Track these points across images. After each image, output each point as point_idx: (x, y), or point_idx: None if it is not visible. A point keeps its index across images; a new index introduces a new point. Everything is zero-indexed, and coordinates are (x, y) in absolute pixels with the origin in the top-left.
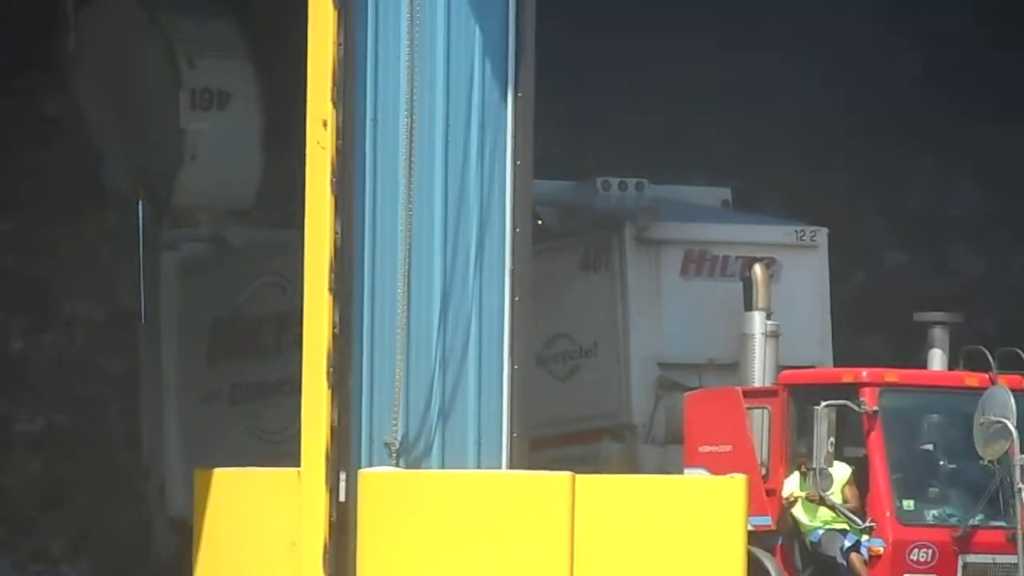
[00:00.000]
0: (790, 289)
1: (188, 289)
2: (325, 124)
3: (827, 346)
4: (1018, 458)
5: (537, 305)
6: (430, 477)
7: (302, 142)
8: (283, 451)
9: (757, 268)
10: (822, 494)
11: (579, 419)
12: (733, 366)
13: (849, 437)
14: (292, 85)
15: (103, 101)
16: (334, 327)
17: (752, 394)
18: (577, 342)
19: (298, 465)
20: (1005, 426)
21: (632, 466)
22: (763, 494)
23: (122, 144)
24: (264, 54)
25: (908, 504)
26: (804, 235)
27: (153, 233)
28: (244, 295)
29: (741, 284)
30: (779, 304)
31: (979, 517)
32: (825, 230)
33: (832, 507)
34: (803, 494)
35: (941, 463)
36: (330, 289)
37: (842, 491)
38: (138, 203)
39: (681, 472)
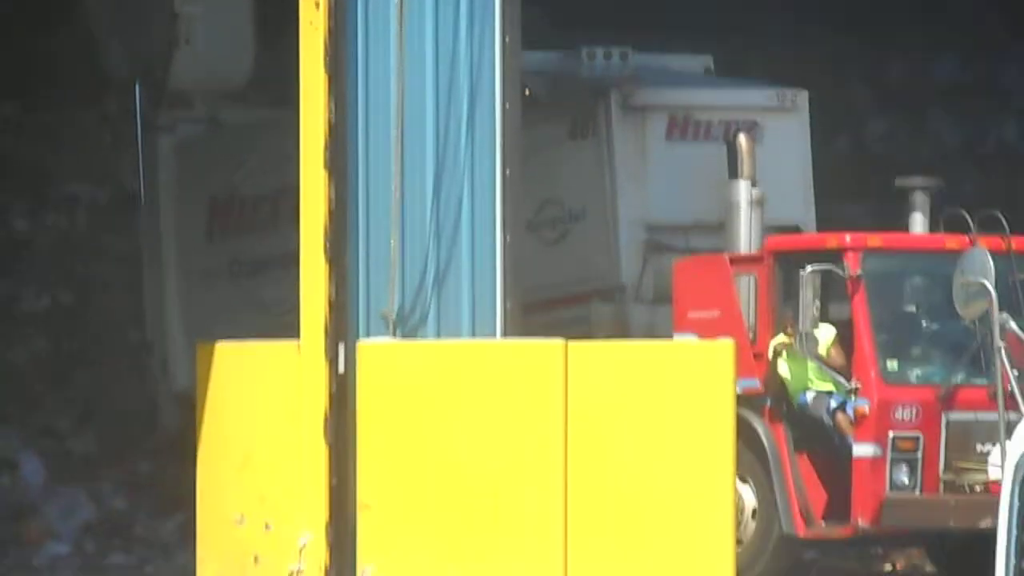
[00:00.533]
0: (773, 151)
1: (185, 169)
2: (317, 4)
3: (810, 206)
4: (997, 317)
5: (527, 174)
6: (426, 347)
7: (293, 25)
8: (283, 323)
9: (742, 137)
10: (809, 355)
11: (569, 282)
12: (718, 227)
13: (834, 300)
14: None
15: None
16: (330, 203)
17: (738, 260)
18: (566, 207)
19: (297, 337)
20: (984, 286)
21: (622, 326)
22: (751, 357)
23: (119, 30)
24: None
25: (892, 364)
26: (785, 98)
27: (150, 116)
28: (240, 173)
29: (725, 147)
30: (762, 166)
31: (961, 376)
32: (806, 92)
33: (818, 366)
34: (789, 341)
35: (923, 324)
36: (325, 166)
37: (828, 352)
38: (135, 87)
39: (670, 334)
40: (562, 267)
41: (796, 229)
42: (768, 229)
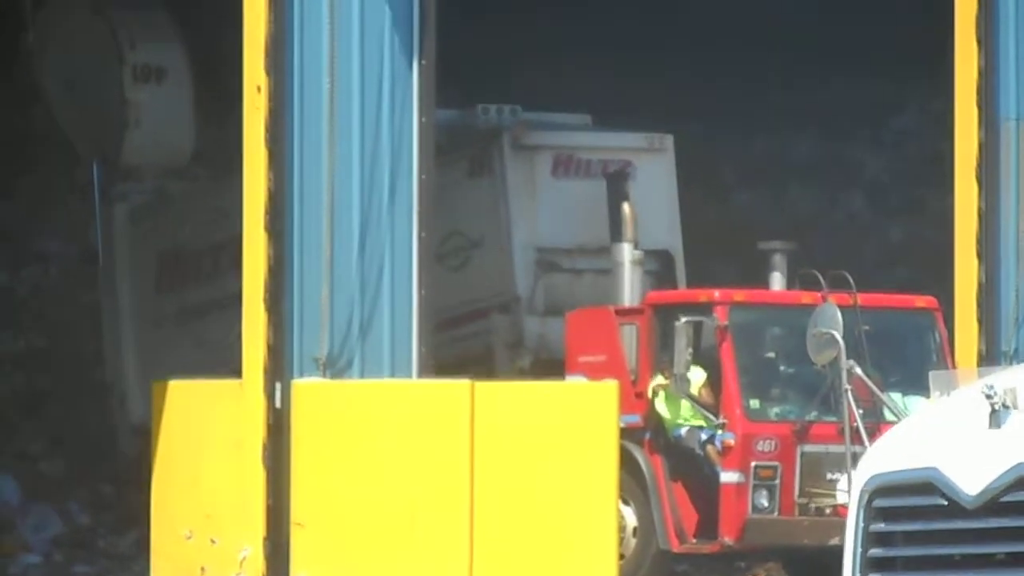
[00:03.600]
0: (644, 186)
1: (137, 232)
2: (259, 89)
3: (677, 233)
4: (844, 363)
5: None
6: (352, 386)
7: (229, 109)
8: (224, 357)
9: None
10: (682, 395)
11: (472, 301)
12: (598, 251)
13: (704, 348)
14: (217, 62)
15: (59, 81)
16: (269, 260)
17: (622, 312)
18: (467, 237)
19: (239, 374)
20: (833, 336)
21: (517, 334)
22: (633, 396)
23: (78, 114)
24: (192, 37)
25: (754, 403)
26: (653, 140)
27: (107, 186)
28: (184, 231)
29: (603, 181)
30: (635, 198)
31: (813, 414)
32: (671, 136)
33: (692, 400)
34: (665, 383)
35: (781, 368)
36: (265, 228)
37: (699, 392)
38: (92, 163)
39: (560, 342)
40: (466, 289)
41: (666, 252)
42: (642, 252)
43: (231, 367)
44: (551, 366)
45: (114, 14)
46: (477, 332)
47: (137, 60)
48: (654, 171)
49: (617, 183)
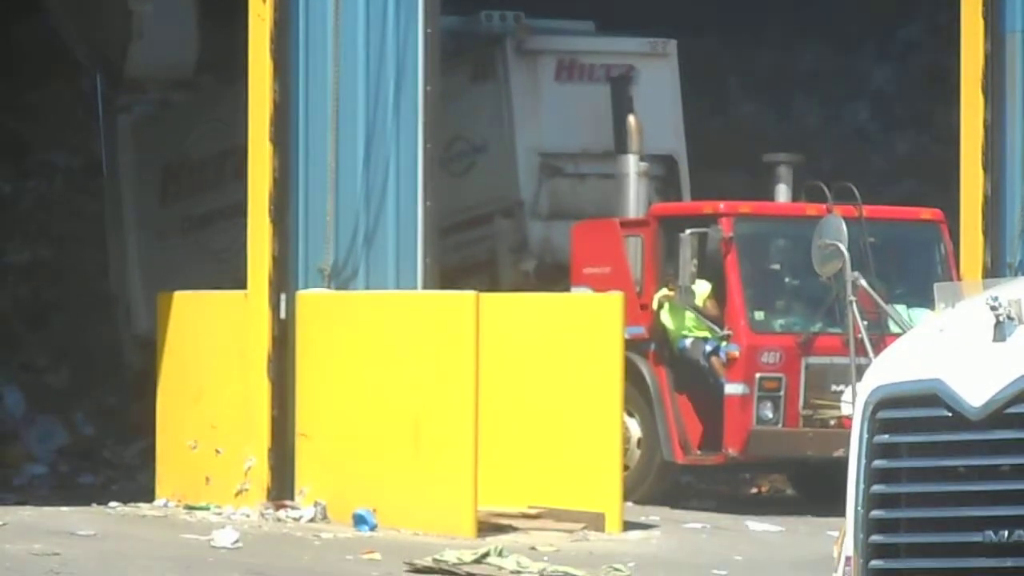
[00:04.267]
0: (647, 90)
1: (141, 143)
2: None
3: (680, 137)
4: (849, 275)
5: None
6: (356, 297)
7: (232, 19)
8: (229, 267)
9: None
10: (687, 306)
11: (476, 205)
12: (603, 155)
13: (709, 260)
14: None
15: None
16: (274, 172)
17: (627, 224)
18: (471, 142)
19: (243, 284)
20: (838, 248)
21: (522, 238)
22: (638, 308)
23: (80, 25)
24: None
25: (759, 315)
26: (657, 45)
27: (110, 98)
28: (188, 141)
29: (607, 86)
30: (638, 103)
31: (818, 326)
32: (674, 41)
33: (696, 312)
34: (670, 294)
35: (786, 280)
36: (270, 139)
37: (704, 304)
38: (96, 74)
39: (564, 245)
40: (470, 194)
41: (670, 157)
42: (646, 158)
43: (235, 276)
44: (555, 270)
45: None
46: (481, 237)
47: None
48: (657, 76)
49: (621, 87)
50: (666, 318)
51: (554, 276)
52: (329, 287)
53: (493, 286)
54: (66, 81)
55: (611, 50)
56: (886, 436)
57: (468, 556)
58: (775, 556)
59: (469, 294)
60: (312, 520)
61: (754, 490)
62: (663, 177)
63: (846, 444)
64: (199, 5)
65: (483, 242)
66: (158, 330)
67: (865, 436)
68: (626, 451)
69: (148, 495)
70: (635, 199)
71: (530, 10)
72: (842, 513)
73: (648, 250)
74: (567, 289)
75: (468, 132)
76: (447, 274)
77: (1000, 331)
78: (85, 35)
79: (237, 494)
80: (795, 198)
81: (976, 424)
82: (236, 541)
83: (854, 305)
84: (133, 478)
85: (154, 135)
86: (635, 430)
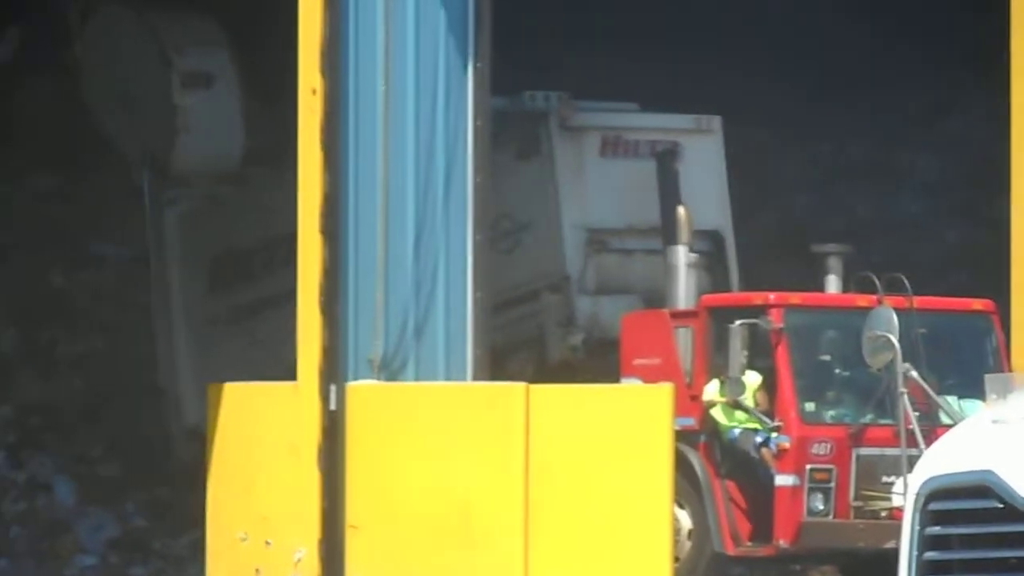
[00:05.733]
0: (693, 166)
1: (189, 236)
2: (314, 91)
3: (726, 212)
4: (900, 366)
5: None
6: (406, 388)
7: (277, 110)
8: (277, 356)
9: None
10: (736, 399)
11: (524, 283)
12: (648, 231)
13: (759, 350)
14: (266, 67)
15: (108, 93)
16: (324, 262)
17: (677, 315)
18: (517, 220)
19: (293, 372)
20: (889, 340)
21: (569, 313)
22: (688, 399)
23: (127, 124)
24: (239, 42)
25: (810, 406)
26: (701, 122)
27: (157, 192)
28: (235, 231)
29: (652, 162)
30: (684, 180)
31: (869, 417)
32: (719, 118)
33: (745, 410)
34: (722, 399)
35: (837, 371)
36: (321, 230)
37: (754, 396)
38: (144, 169)
39: (611, 322)
40: (517, 271)
41: (717, 233)
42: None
43: (285, 365)
44: (602, 345)
45: (161, 22)
46: (529, 313)
47: (185, 66)
48: (703, 152)
49: (666, 162)
50: (717, 412)
51: (601, 350)
52: (379, 378)
53: (541, 362)
54: (116, 172)
55: (656, 126)
56: (938, 528)
57: None
58: None
59: (519, 386)
60: None
61: None
62: (710, 253)
63: (897, 536)
64: (244, 98)
65: (531, 318)
66: (208, 422)
67: (916, 528)
68: (676, 542)
69: None
70: (685, 290)
71: (575, 93)
72: None
73: (698, 341)
74: (615, 364)
75: (514, 210)
76: (496, 351)
77: None
78: (129, 130)
79: None
80: (845, 289)
81: None
82: None
83: (905, 397)
84: (184, 570)
85: (202, 227)
86: (685, 521)
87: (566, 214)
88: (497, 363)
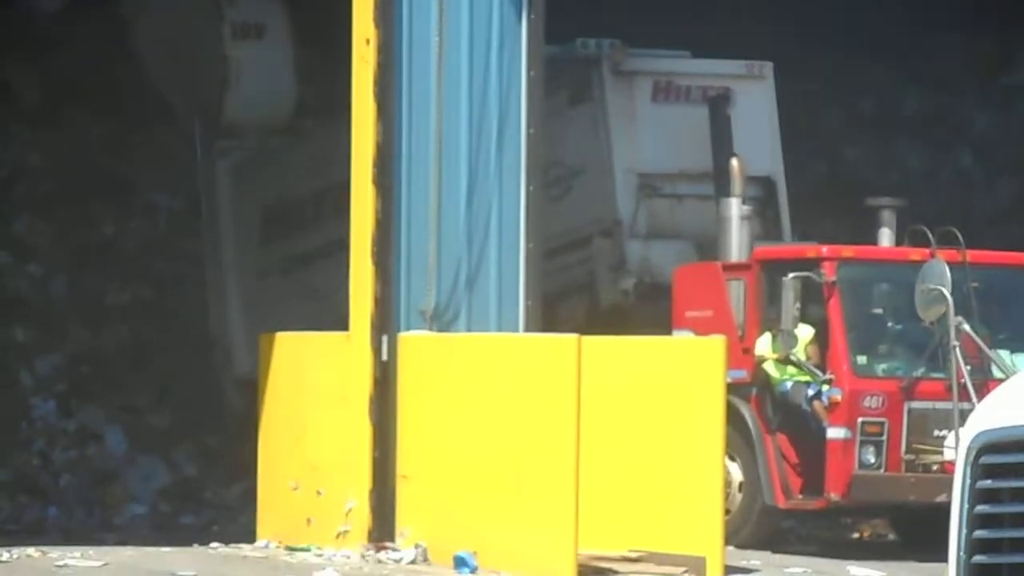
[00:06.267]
0: (744, 112)
1: (240, 187)
2: (368, 42)
3: (778, 158)
4: (952, 320)
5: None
6: (458, 339)
7: (330, 64)
8: (329, 306)
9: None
10: (788, 352)
11: (575, 229)
12: (700, 176)
13: (812, 303)
14: (318, 17)
15: (158, 45)
16: (376, 214)
17: (730, 267)
18: (568, 165)
19: (344, 322)
20: (942, 293)
21: (620, 256)
22: (740, 352)
23: (177, 76)
24: None
25: (862, 359)
26: (753, 68)
27: (208, 143)
28: (286, 182)
29: (705, 108)
30: (736, 126)
31: (921, 370)
32: (771, 64)
33: (797, 363)
34: (774, 355)
35: (889, 325)
36: (373, 181)
37: (805, 349)
38: (194, 120)
39: (663, 266)
40: (568, 217)
41: (768, 179)
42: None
43: (336, 314)
44: (654, 289)
45: None
46: (580, 260)
47: (236, 17)
48: (754, 98)
49: (718, 108)
50: (769, 365)
51: (652, 295)
52: (431, 329)
53: (592, 307)
54: (168, 122)
55: (708, 72)
56: (989, 481)
57: None
58: None
59: (571, 338)
60: (413, 562)
61: (856, 535)
62: (762, 199)
63: (948, 489)
64: (296, 49)
65: (582, 265)
66: (260, 371)
67: (968, 481)
68: (727, 495)
69: (249, 536)
70: (737, 242)
71: (627, 41)
72: (944, 558)
73: (750, 294)
74: (666, 309)
75: (565, 156)
76: (547, 297)
77: None
78: (180, 82)
79: (338, 536)
80: (898, 242)
81: None
82: None
83: (957, 350)
84: (234, 519)
85: (253, 178)
86: (736, 474)
87: (618, 159)
88: (549, 309)
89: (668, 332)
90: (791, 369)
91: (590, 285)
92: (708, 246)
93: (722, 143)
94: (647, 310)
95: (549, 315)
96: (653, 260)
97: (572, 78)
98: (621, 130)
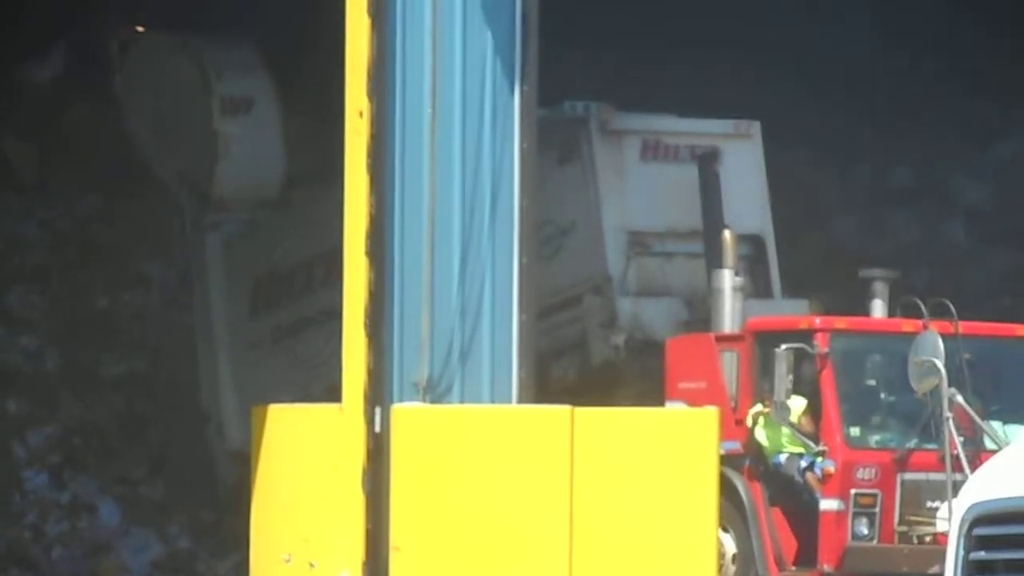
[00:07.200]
0: (733, 170)
1: (230, 260)
2: (361, 114)
3: (767, 216)
4: (946, 391)
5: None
6: (451, 411)
7: (319, 137)
8: (319, 374)
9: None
10: (782, 423)
11: (566, 287)
12: (689, 234)
13: (805, 375)
14: (307, 88)
15: (148, 120)
16: (370, 285)
17: (723, 339)
18: (559, 225)
19: (336, 390)
20: (935, 365)
21: (611, 312)
22: (733, 423)
23: (167, 150)
24: (279, 65)
25: (855, 431)
26: (740, 127)
27: (198, 215)
28: (277, 254)
29: (693, 166)
30: (724, 184)
31: (914, 441)
32: (758, 123)
33: (791, 432)
34: (765, 410)
35: (882, 396)
36: (366, 252)
37: (799, 420)
38: (184, 193)
39: (654, 323)
40: (559, 276)
41: (757, 237)
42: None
43: (327, 383)
44: (644, 345)
45: (200, 48)
46: (572, 318)
47: (224, 91)
48: (742, 156)
49: (707, 165)
50: (761, 434)
51: (644, 351)
52: (424, 401)
53: (584, 365)
54: (159, 193)
55: (695, 131)
56: (982, 553)
57: None
58: None
59: (564, 409)
60: None
61: None
62: (751, 257)
63: (942, 561)
64: (285, 121)
65: (574, 323)
66: (252, 443)
67: (961, 553)
68: (721, 567)
69: None
70: (730, 313)
71: (614, 102)
72: None
73: (744, 365)
74: (657, 366)
75: (555, 215)
76: (539, 357)
77: None
78: (169, 156)
79: None
80: (891, 314)
81: None
82: None
83: (950, 421)
84: None
85: (243, 250)
86: (730, 546)
87: (607, 217)
88: (541, 368)
89: (659, 388)
90: (784, 440)
91: (582, 344)
92: (697, 304)
93: (712, 201)
94: (638, 366)
95: (541, 374)
96: (644, 317)
97: (560, 137)
98: (610, 188)
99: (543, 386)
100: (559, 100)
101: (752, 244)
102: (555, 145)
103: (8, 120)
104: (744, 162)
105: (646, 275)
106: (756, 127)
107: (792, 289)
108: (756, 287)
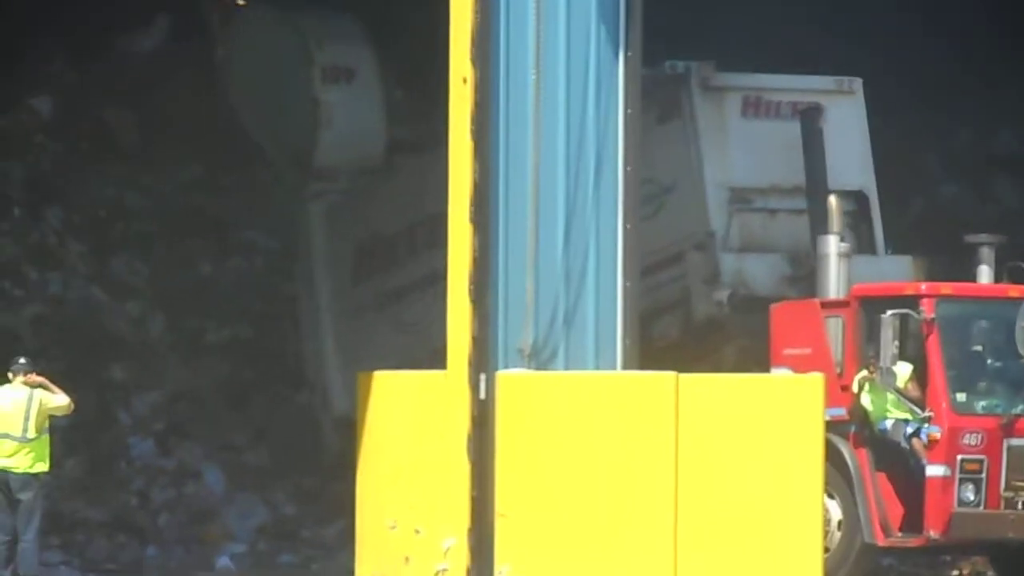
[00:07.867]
0: (835, 126)
1: (333, 228)
2: (465, 81)
3: (869, 171)
4: None
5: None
6: (556, 378)
7: (420, 103)
8: (423, 339)
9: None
10: (888, 389)
11: (668, 245)
12: (791, 190)
13: (910, 340)
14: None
15: (250, 90)
16: (474, 252)
17: (828, 305)
18: (659, 183)
19: (439, 355)
20: None
21: (714, 268)
22: (838, 389)
23: (269, 120)
24: (380, 35)
25: (961, 397)
26: (843, 83)
27: (301, 185)
28: (378, 219)
29: (795, 122)
30: (826, 140)
31: (1020, 407)
32: (860, 79)
33: (897, 398)
34: (871, 376)
35: (988, 362)
36: (470, 219)
37: (905, 386)
38: (286, 163)
39: (756, 279)
40: (661, 234)
41: (860, 193)
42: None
43: (431, 348)
44: (748, 300)
45: (301, 19)
46: (674, 276)
47: (325, 61)
48: (845, 113)
49: (810, 121)
50: (867, 400)
51: (747, 307)
52: (529, 367)
53: (687, 322)
54: (263, 163)
55: (797, 87)
56: None
57: None
58: None
59: (669, 375)
60: None
61: (955, 572)
62: (854, 212)
63: None
64: (386, 90)
65: (676, 281)
66: (357, 409)
67: None
68: (826, 533)
69: (348, 575)
70: (836, 280)
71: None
72: None
73: (849, 331)
74: (761, 321)
75: (657, 173)
76: (642, 316)
77: None
78: (272, 126)
79: (436, 574)
80: (997, 279)
81: None
82: None
83: None
84: (333, 558)
85: (345, 218)
86: (835, 512)
87: (709, 174)
88: (643, 326)
89: (762, 345)
90: (890, 406)
91: (684, 301)
92: (801, 259)
93: (815, 157)
94: (741, 322)
95: (644, 333)
96: (747, 273)
97: (661, 96)
98: (711, 145)
99: (645, 344)
100: (660, 59)
101: (855, 200)
102: (656, 103)
103: (111, 90)
104: (847, 119)
105: (749, 231)
106: (858, 83)
107: (895, 248)
108: (859, 243)
